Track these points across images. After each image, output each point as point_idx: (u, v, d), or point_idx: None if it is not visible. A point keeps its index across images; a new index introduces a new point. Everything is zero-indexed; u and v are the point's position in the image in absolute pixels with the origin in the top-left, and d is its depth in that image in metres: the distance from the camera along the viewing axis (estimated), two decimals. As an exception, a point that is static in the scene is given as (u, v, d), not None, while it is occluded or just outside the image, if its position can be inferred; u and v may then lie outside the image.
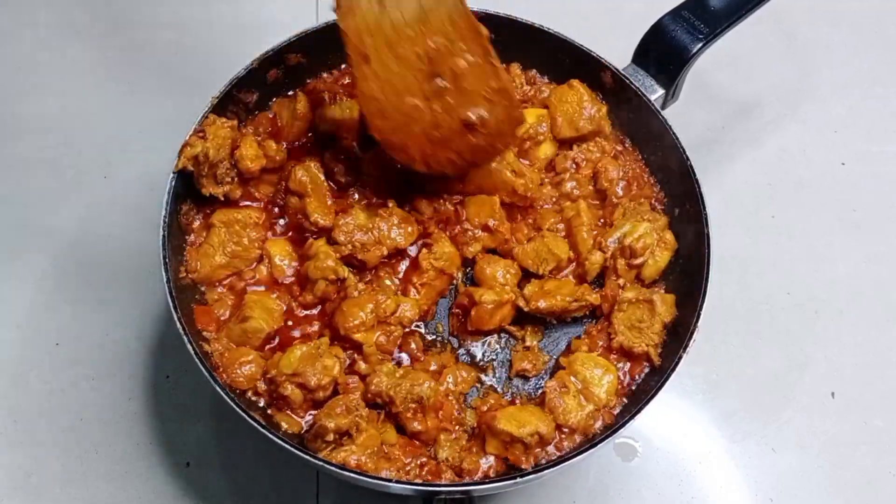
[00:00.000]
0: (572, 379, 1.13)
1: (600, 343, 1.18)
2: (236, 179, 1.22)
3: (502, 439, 1.08)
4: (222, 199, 1.21)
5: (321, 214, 1.20)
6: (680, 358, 1.09)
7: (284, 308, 1.18)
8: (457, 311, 1.21)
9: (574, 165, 1.30)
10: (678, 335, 1.14)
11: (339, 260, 1.17)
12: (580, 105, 1.29)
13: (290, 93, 1.33)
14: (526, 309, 1.19)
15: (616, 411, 1.14)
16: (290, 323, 1.18)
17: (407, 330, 1.18)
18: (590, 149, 1.31)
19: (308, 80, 1.34)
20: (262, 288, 1.20)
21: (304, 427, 1.11)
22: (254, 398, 1.12)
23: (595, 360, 1.15)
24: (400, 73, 1.08)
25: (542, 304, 1.18)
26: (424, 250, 1.21)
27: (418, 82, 1.09)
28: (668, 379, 1.07)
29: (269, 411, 1.12)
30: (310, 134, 1.28)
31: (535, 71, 1.38)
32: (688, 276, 1.20)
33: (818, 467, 1.30)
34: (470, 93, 1.10)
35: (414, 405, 1.09)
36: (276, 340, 1.16)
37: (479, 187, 1.23)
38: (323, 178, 1.22)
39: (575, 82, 1.31)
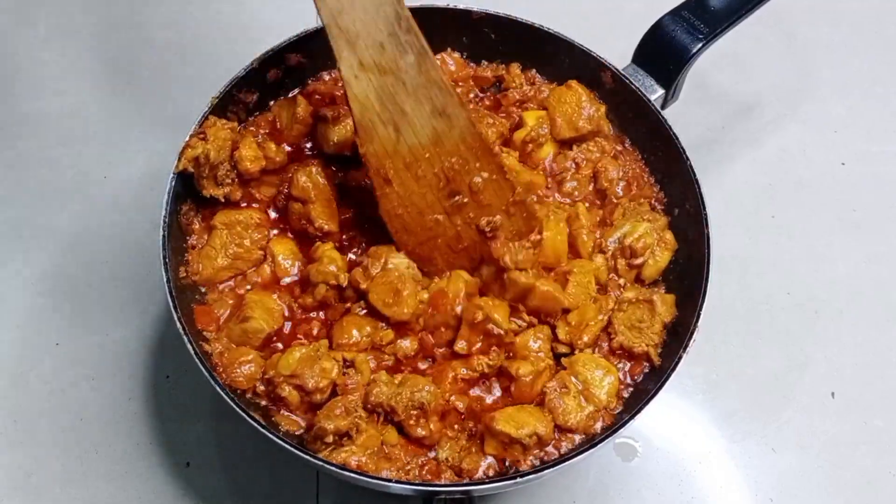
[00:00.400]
0: (573, 379, 1.13)
1: (604, 345, 1.19)
2: (236, 181, 1.22)
3: (501, 440, 1.08)
4: (223, 200, 1.21)
5: (325, 220, 1.20)
6: (680, 358, 1.09)
7: (285, 308, 1.17)
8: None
9: (574, 165, 1.30)
10: (678, 335, 1.14)
11: (344, 267, 1.16)
12: (579, 105, 1.29)
13: (291, 94, 1.33)
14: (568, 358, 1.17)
15: (616, 412, 1.13)
16: (289, 324, 1.17)
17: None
18: (589, 149, 1.31)
19: (309, 81, 1.34)
20: (263, 288, 1.20)
21: (303, 427, 1.11)
22: (254, 399, 1.12)
23: (596, 361, 1.15)
24: (420, 192, 1.14)
25: (585, 338, 1.17)
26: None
27: (438, 199, 1.14)
28: (668, 379, 1.07)
29: (269, 411, 1.12)
30: (308, 138, 1.28)
31: (534, 71, 1.38)
32: (688, 276, 1.20)
33: (818, 467, 1.30)
34: (488, 206, 1.15)
35: (416, 412, 1.09)
36: (280, 344, 1.16)
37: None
38: (325, 181, 1.21)
39: (573, 83, 1.31)
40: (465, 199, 1.14)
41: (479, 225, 1.15)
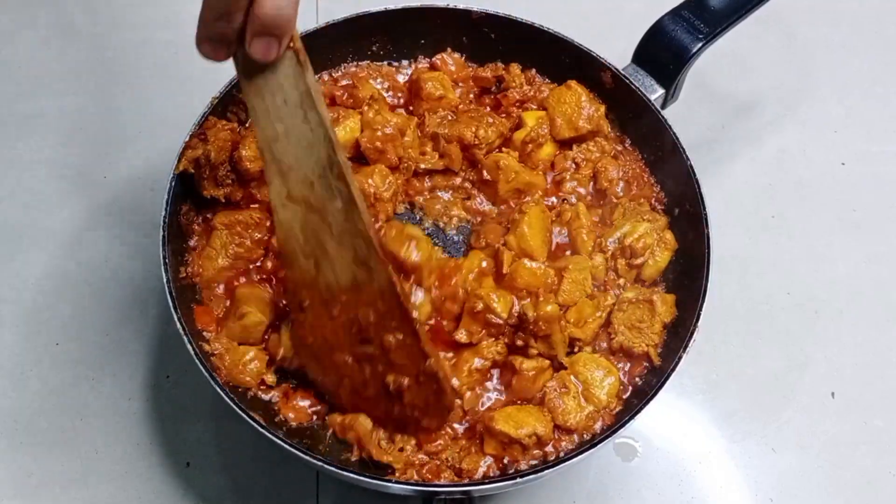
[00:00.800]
0: (573, 379, 1.13)
1: (603, 344, 1.19)
2: (236, 181, 1.22)
3: (500, 440, 1.08)
4: (223, 200, 1.21)
5: None
6: (680, 358, 1.09)
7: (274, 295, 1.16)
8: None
9: (574, 165, 1.30)
10: (678, 335, 1.14)
11: None
12: (578, 105, 1.29)
13: None
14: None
15: (616, 412, 1.13)
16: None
17: None
18: (589, 148, 1.31)
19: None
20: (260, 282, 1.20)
21: (312, 418, 1.13)
22: (263, 395, 1.12)
23: (597, 361, 1.15)
24: (333, 330, 1.07)
25: (584, 335, 1.17)
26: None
27: (350, 343, 1.07)
28: (668, 379, 1.07)
29: (276, 406, 1.14)
30: None
31: (534, 70, 1.38)
32: (688, 276, 1.20)
33: (818, 467, 1.30)
34: (398, 366, 1.07)
35: None
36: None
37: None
38: None
39: (573, 83, 1.31)
40: (377, 353, 1.06)
41: (385, 381, 1.07)
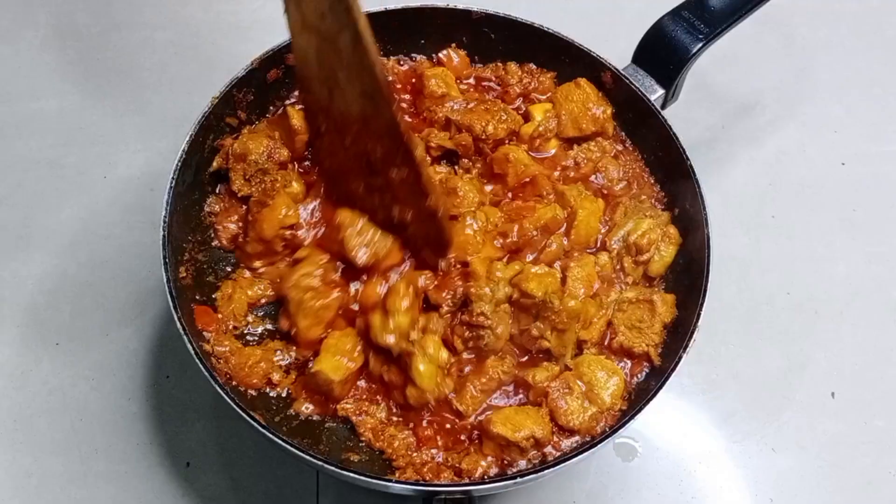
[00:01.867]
0: (577, 381, 1.13)
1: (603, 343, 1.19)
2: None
3: (498, 442, 1.08)
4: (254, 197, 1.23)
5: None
6: (680, 358, 1.09)
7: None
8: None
9: (574, 164, 1.30)
10: (678, 335, 1.14)
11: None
12: (585, 105, 1.29)
13: (279, 111, 1.33)
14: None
15: (619, 413, 1.13)
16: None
17: None
18: (590, 148, 1.31)
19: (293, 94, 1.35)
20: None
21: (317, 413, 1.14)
22: (271, 392, 1.13)
23: (602, 362, 1.15)
24: (346, 159, 1.14)
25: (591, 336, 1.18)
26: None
27: (360, 173, 1.13)
28: (668, 379, 1.07)
29: (289, 399, 1.15)
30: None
31: (532, 65, 1.38)
32: (688, 276, 1.20)
33: (818, 467, 1.30)
34: (403, 199, 1.12)
35: None
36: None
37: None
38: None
39: (582, 81, 1.30)
40: (384, 184, 1.12)
41: (391, 214, 1.14)
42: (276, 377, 1.14)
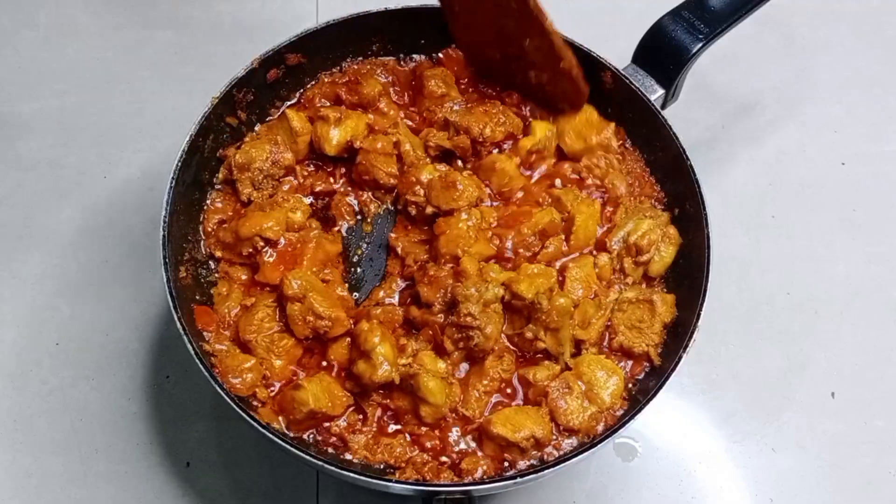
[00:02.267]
0: (577, 381, 1.13)
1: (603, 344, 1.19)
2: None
3: (498, 443, 1.08)
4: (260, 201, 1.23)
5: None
6: (680, 358, 1.09)
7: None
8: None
9: (578, 178, 1.29)
10: (678, 335, 1.14)
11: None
12: (585, 130, 1.29)
13: (278, 114, 1.33)
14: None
15: (618, 413, 1.13)
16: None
17: None
18: (597, 163, 1.29)
19: (306, 85, 1.35)
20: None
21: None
22: (255, 403, 1.12)
23: (602, 362, 1.14)
24: (481, 33, 1.25)
25: (590, 336, 1.18)
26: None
27: (496, 43, 1.25)
28: (668, 379, 1.07)
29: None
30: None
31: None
32: (688, 276, 1.20)
33: (818, 467, 1.30)
34: (539, 66, 1.24)
35: None
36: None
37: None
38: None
39: (587, 107, 1.30)
40: (519, 52, 1.23)
41: (529, 76, 1.26)
42: (261, 394, 1.11)
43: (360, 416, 1.12)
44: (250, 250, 1.18)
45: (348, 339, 1.15)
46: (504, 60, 1.27)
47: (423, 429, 1.11)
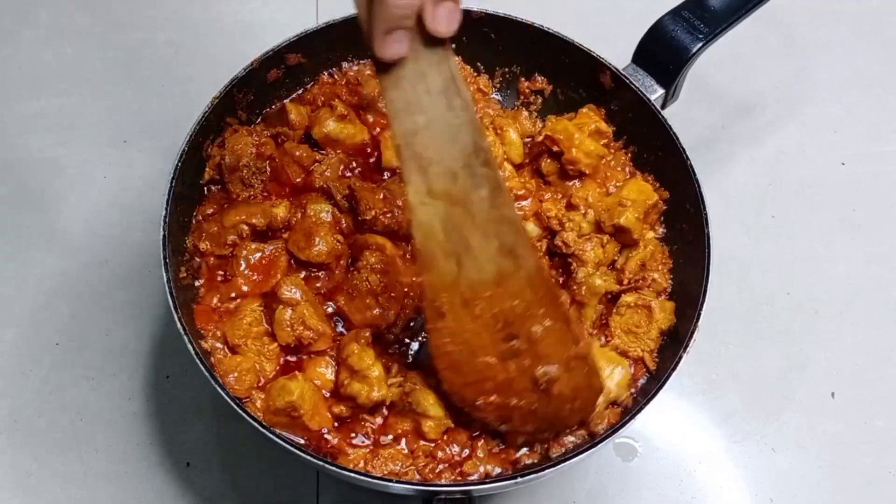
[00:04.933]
0: None
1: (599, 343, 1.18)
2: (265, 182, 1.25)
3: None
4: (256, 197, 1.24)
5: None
6: (680, 358, 1.08)
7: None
8: None
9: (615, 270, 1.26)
10: (678, 335, 1.14)
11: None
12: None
13: (276, 105, 1.33)
14: None
15: (622, 406, 1.13)
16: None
17: None
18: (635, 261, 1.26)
19: (306, 85, 1.35)
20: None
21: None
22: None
23: (607, 354, 1.14)
24: (475, 331, 1.02)
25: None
26: None
27: (494, 342, 1.02)
28: (668, 379, 1.07)
29: None
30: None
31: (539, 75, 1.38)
32: (687, 276, 1.20)
33: (818, 467, 1.30)
34: (547, 356, 1.03)
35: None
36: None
37: None
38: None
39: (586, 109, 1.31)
40: (523, 346, 1.02)
41: (534, 374, 1.03)
42: (257, 398, 1.11)
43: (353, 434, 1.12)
44: (234, 237, 1.19)
45: (326, 359, 1.14)
46: (502, 361, 1.04)
47: (423, 442, 1.11)
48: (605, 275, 1.19)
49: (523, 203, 1.26)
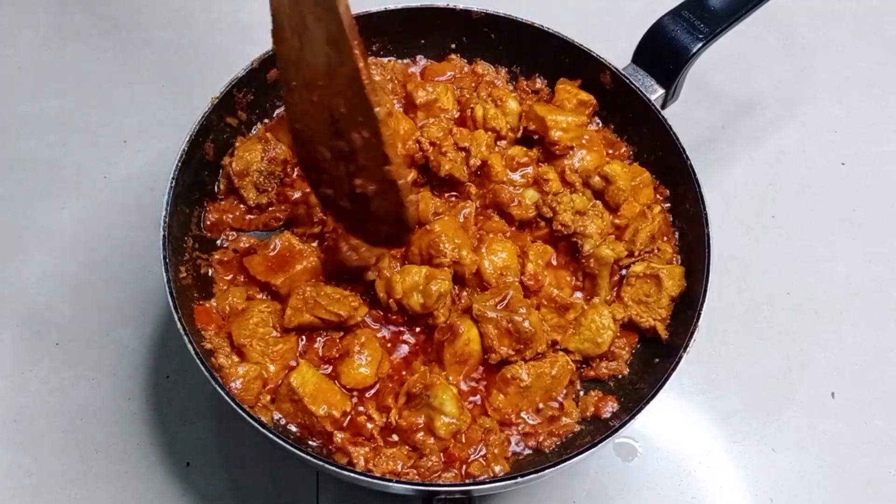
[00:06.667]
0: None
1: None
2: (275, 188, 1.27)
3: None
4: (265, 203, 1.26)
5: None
6: (680, 358, 1.09)
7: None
8: None
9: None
10: (678, 335, 1.14)
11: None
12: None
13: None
14: None
15: (618, 407, 1.14)
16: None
17: None
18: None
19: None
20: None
21: None
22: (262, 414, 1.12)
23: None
24: (313, 116, 1.07)
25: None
26: None
27: (327, 134, 1.07)
28: (668, 379, 1.07)
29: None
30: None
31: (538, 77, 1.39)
32: (688, 276, 1.20)
33: (818, 467, 1.30)
34: (365, 168, 1.06)
35: None
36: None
37: None
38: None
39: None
40: (347, 149, 1.06)
41: (354, 182, 1.08)
42: (264, 399, 1.12)
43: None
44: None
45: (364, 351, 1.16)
46: (334, 159, 1.09)
47: (432, 440, 1.11)
48: (611, 244, 1.22)
49: (527, 170, 1.29)
